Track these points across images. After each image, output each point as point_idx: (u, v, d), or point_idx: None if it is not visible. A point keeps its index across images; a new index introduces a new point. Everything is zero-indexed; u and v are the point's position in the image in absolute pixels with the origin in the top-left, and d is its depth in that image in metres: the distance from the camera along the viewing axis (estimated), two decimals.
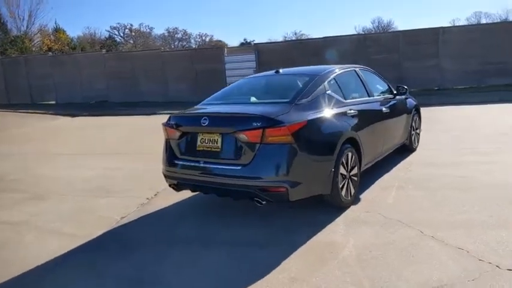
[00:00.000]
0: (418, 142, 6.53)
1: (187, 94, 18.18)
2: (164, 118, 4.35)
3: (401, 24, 62.27)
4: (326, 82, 4.15)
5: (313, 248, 3.26)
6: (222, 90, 4.78)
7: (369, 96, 4.89)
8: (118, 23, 55.20)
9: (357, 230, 3.55)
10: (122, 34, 57.05)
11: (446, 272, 2.74)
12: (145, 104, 17.91)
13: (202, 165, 3.73)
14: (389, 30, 41.11)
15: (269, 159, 3.39)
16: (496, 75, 15.74)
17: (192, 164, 3.81)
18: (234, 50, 20.77)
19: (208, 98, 4.60)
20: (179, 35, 63.17)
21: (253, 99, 4.13)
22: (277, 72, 4.67)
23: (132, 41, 58.33)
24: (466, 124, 8.88)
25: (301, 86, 4.06)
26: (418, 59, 16.32)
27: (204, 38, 62.91)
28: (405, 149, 6.20)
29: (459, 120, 9.41)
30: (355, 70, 4.96)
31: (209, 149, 3.69)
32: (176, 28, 62.55)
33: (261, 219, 3.98)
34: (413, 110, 6.21)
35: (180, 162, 3.91)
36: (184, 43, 60.89)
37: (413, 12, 74.03)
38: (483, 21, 46.28)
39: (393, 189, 4.61)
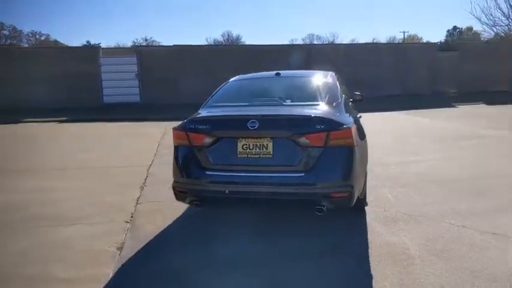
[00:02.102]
0: None
1: (50, 99, 15.65)
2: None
3: (248, 39, 66.80)
4: (339, 85, 4.17)
5: (381, 252, 3.23)
6: (220, 91, 4.25)
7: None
8: None
9: (397, 228, 3.68)
10: None
11: None
12: None
13: (246, 174, 3.28)
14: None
15: (333, 163, 3.21)
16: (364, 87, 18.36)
17: (231, 174, 3.32)
18: (110, 52, 18.78)
19: (210, 100, 4.05)
20: (6, 32, 53.83)
21: (279, 101, 3.82)
22: (277, 74, 4.46)
23: None
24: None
25: (324, 88, 3.99)
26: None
27: (38, 36, 55.11)
28: None
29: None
30: (335, 75, 5.11)
31: (256, 155, 3.27)
32: (2, 23, 53.13)
33: (293, 230, 3.75)
34: None
35: (211, 173, 3.35)
36: (14, 41, 52.17)
37: (259, 30, 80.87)
38: (315, 42, 53.49)
39: (380, 188, 4.94)
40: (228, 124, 3.38)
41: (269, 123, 3.27)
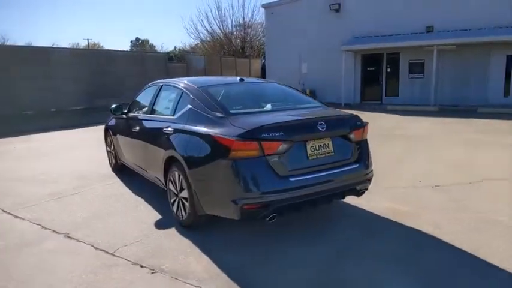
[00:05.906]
0: None
1: None
2: None
3: None
4: None
5: (390, 216, 4.15)
6: (211, 98, 3.83)
7: None
8: None
9: (368, 198, 4.60)
10: None
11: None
12: None
13: (319, 174, 3.47)
14: None
15: (366, 153, 3.93)
16: (101, 97, 17.55)
17: (307, 177, 3.39)
18: None
19: (221, 109, 3.66)
20: None
21: (270, 106, 4.07)
22: (242, 80, 4.53)
23: None
24: None
25: (300, 92, 4.52)
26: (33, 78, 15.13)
27: None
28: None
29: None
30: None
31: (323, 155, 3.53)
32: None
33: (308, 233, 3.99)
34: None
35: (294, 179, 3.33)
36: None
37: None
38: None
39: None
40: (301, 128, 3.47)
41: (331, 123, 3.60)
